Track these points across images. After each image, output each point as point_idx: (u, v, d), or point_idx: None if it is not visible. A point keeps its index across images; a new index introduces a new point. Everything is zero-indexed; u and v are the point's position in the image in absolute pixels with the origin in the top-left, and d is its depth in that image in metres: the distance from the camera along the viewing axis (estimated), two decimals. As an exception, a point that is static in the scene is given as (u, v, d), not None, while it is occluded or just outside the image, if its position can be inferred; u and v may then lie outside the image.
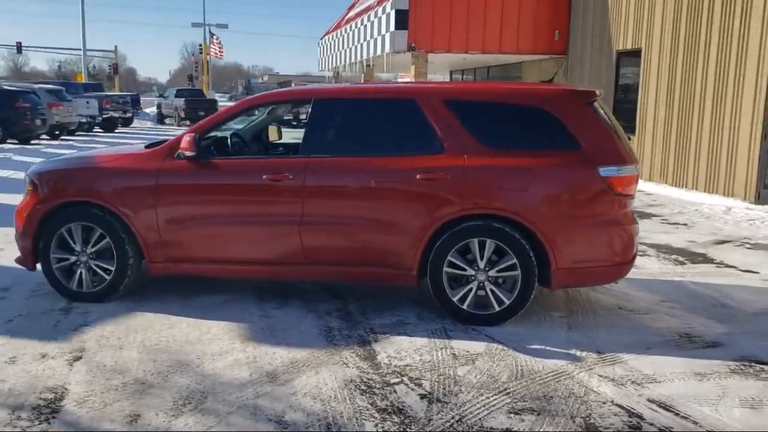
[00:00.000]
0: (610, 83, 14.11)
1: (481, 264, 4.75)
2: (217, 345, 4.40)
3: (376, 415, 3.47)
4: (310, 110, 5.03)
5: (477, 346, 4.43)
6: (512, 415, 3.49)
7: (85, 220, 5.11)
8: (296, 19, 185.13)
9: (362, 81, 20.84)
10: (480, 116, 4.84)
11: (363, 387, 3.80)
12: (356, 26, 19.05)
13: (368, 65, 20.20)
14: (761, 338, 4.66)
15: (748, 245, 7.66)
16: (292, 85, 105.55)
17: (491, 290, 4.77)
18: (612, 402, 3.66)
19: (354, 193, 4.88)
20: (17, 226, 5.30)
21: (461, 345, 4.45)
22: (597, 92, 4.91)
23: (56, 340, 4.43)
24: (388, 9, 15.21)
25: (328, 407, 3.55)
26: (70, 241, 5.16)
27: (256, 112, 5.95)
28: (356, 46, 19.07)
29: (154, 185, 5.02)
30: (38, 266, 5.32)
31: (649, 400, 3.69)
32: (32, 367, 4.00)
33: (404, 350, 4.36)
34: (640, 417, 3.49)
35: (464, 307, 4.82)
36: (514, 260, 4.70)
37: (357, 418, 3.43)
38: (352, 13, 21.32)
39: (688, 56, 11.75)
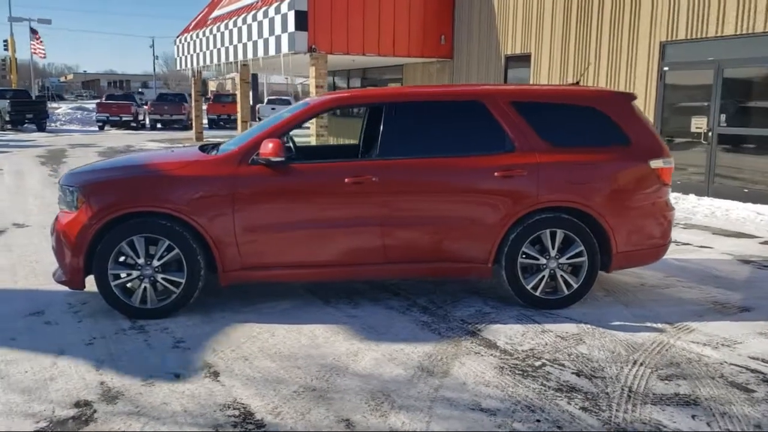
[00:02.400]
0: (500, 81, 15.18)
1: (553, 253, 5.17)
2: (340, 346, 4.40)
3: (559, 393, 3.75)
4: (383, 113, 5.13)
5: (570, 328, 4.84)
6: (667, 382, 3.93)
7: (149, 232, 4.80)
8: (100, 15, 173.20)
9: (237, 81, 20.39)
10: (542, 116, 5.25)
11: (517, 371, 4.06)
12: (231, 26, 18.62)
13: (243, 65, 19.81)
14: (776, 301, 5.53)
15: (681, 225, 8.81)
16: (101, 83, 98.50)
17: (561, 276, 5.20)
18: (726, 362, 4.23)
19: (434, 192, 5.07)
20: (64, 243, 4.84)
21: (555, 328, 4.83)
22: (635, 94, 5.53)
23: (168, 360, 4.18)
24: (284, 9, 15.12)
25: (508, 392, 3.76)
26: (132, 255, 4.82)
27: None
28: (233, 47, 18.64)
29: (230, 192, 4.85)
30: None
31: (750, 357, 4.32)
32: (181, 387, 3.78)
33: (513, 336, 4.65)
34: (758, 371, 4.09)
35: (537, 293, 5.20)
36: (581, 247, 5.17)
37: (548, 398, 3.69)
38: (221, 12, 20.76)
39: (579, 60, 13.04)
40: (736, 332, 4.78)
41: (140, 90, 72.42)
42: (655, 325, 4.93)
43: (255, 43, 16.99)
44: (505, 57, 15.05)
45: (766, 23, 9.87)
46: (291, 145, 5.52)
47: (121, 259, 4.86)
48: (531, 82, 14.19)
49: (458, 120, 5.23)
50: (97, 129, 32.81)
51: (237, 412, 3.49)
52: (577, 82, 6.20)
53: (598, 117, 5.31)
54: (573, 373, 4.05)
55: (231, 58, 18.84)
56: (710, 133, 10.76)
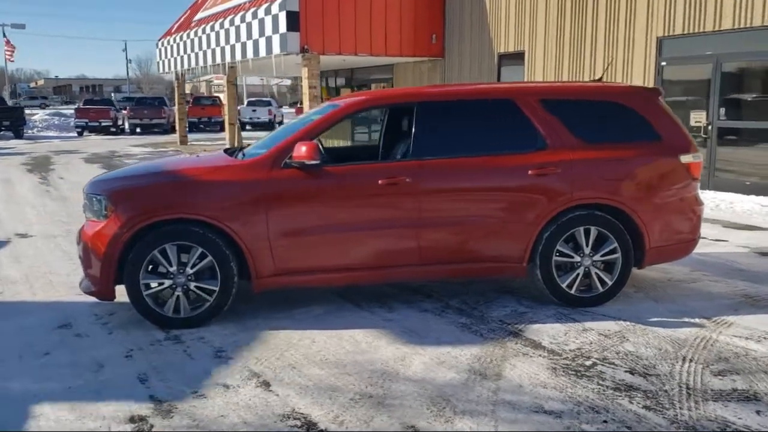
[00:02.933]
0: (494, 79, 15.18)
1: (587, 250, 5.14)
2: (385, 351, 4.33)
3: (619, 393, 3.71)
4: (415, 113, 5.07)
5: (610, 325, 4.82)
6: (721, 377, 3.92)
7: (182, 240, 4.69)
8: (70, 19, 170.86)
9: (217, 84, 20.18)
10: (573, 113, 5.22)
11: (571, 372, 4.01)
12: (217, 28, 18.42)
13: (231, 67, 19.61)
14: (804, 292, 5.56)
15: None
16: (73, 88, 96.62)
17: (596, 274, 5.18)
18: (773, 355, 4.24)
19: (468, 192, 5.02)
20: (93, 253, 4.71)
21: (596, 326, 4.81)
22: (661, 89, 5.52)
23: (213, 370, 4.07)
24: (275, 10, 14.98)
25: (567, 393, 3.72)
26: (165, 264, 4.70)
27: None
28: (220, 49, 18.44)
29: (264, 196, 4.75)
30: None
31: (794, 349, 4.33)
32: (235, 398, 3.68)
33: (556, 336, 4.62)
34: (809, 363, 4.10)
35: (572, 291, 5.17)
36: (615, 244, 5.15)
37: (608, 398, 3.65)
38: (206, 14, 20.53)
39: (574, 57, 13.08)
40: (771, 326, 4.79)
41: (113, 93, 71.55)
42: (692, 320, 4.92)
43: (244, 45, 16.81)
44: (498, 55, 15.05)
45: (763, 17, 9.97)
46: (321, 147, 5.43)
47: (153, 267, 4.73)
48: (526, 80, 14.20)
49: (490, 119, 5.19)
50: (75, 135, 32.29)
51: (298, 423, 3.40)
52: (600, 78, 6.19)
53: (628, 113, 5.29)
54: (626, 371, 4.02)
55: (218, 60, 18.63)
56: (710, 127, 10.85)
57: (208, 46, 19.31)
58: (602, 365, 4.11)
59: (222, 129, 36.19)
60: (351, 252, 4.94)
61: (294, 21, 14.63)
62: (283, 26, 14.71)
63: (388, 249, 4.98)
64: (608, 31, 12.37)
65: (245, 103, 44.42)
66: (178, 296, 4.75)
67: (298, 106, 45.43)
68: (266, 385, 3.86)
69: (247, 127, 36.21)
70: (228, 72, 19.80)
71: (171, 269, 4.71)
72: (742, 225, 8.51)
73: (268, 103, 42.51)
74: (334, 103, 5.23)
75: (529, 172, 5.03)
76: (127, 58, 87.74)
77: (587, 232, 5.13)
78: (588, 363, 4.15)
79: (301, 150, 4.70)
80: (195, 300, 4.81)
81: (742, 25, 10.25)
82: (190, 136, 27.05)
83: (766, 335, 4.59)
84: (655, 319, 4.93)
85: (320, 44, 15.01)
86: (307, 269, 4.93)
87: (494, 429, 3.33)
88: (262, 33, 15.74)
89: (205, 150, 18.63)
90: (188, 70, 21.71)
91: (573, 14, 13.06)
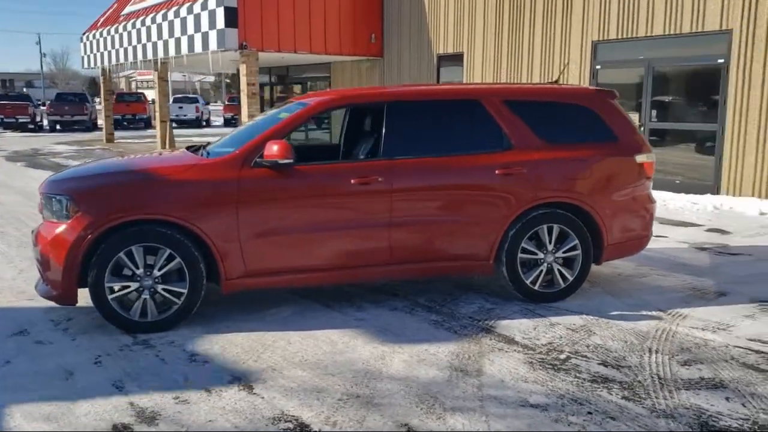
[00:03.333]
0: (432, 80, 15.37)
1: (550, 247, 5.30)
2: (363, 351, 4.33)
3: (596, 384, 3.85)
4: (385, 113, 5.08)
5: (575, 320, 4.97)
6: (688, 367, 4.12)
7: (149, 241, 4.55)
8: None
9: (156, 79, 19.63)
10: (535, 114, 5.36)
11: (547, 366, 4.13)
12: (148, 23, 17.89)
13: (163, 63, 19.07)
14: (746, 285, 5.89)
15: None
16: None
17: (558, 270, 5.34)
18: (730, 345, 4.48)
19: (439, 191, 5.08)
20: (53, 256, 4.50)
21: (561, 320, 4.95)
22: (615, 92, 5.75)
23: (191, 375, 3.97)
24: (211, 5, 14.67)
25: (549, 387, 3.82)
26: (131, 266, 4.55)
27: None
28: (151, 44, 17.91)
29: (235, 196, 4.66)
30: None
31: (748, 339, 4.59)
32: (220, 402, 3.60)
33: (526, 331, 4.73)
34: (762, 352, 4.36)
35: (536, 288, 5.32)
36: (576, 241, 5.33)
37: (589, 390, 3.77)
38: (135, 8, 19.88)
39: (512, 59, 13.40)
40: (724, 316, 5.06)
41: (25, 88, 68.13)
42: (650, 312, 5.14)
43: (178, 41, 16.39)
44: (437, 56, 15.24)
45: (692, 24, 10.50)
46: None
47: (117, 270, 4.57)
48: (464, 81, 14.45)
49: (458, 119, 5.26)
50: (-11, 132, 30.66)
51: (291, 425, 3.37)
52: (556, 81, 6.37)
53: (586, 114, 5.48)
54: (599, 364, 4.16)
55: (149, 56, 18.09)
56: (642, 128, 11.33)
57: (138, 41, 18.72)
58: (575, 358, 4.24)
59: (147, 126, 35.19)
60: (322, 252, 4.91)
61: (232, 17, 14.38)
62: (221, 22, 14.42)
63: (360, 249, 4.98)
64: (545, 35, 12.73)
65: (171, 100, 43.31)
66: (145, 299, 4.60)
67: (227, 103, 44.77)
68: (249, 388, 3.80)
69: (173, 125, 35.30)
70: (159, 68, 19.24)
71: (138, 272, 4.56)
72: (678, 222, 8.94)
73: (195, 100, 41.60)
74: (303, 102, 5.18)
75: (497, 171, 5.13)
76: (41, 51, 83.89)
77: (550, 230, 5.29)
78: (562, 357, 4.27)
79: (273, 149, 4.63)
80: (162, 303, 4.67)
81: (672, 32, 10.76)
82: (116, 134, 26.12)
83: (719, 326, 4.84)
84: (616, 313, 5.12)
85: (259, 41, 14.80)
86: (278, 270, 4.87)
87: (486, 424, 3.39)
88: (197, 28, 15.39)
89: (153, 150, 18.12)
90: (116, 65, 20.97)
91: (511, 17, 13.38)
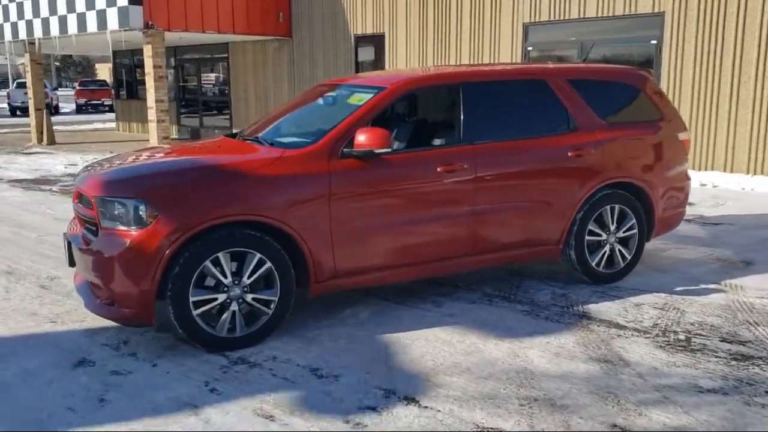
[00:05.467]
0: (350, 63, 15.01)
1: (612, 228, 5.30)
2: (490, 349, 4.07)
3: (743, 362, 3.86)
4: (461, 94, 4.79)
5: (652, 298, 4.99)
6: (800, 336, 4.27)
7: (238, 246, 3.98)
8: None
9: (29, 63, 17.56)
10: (594, 94, 5.30)
11: (679, 348, 4.09)
12: (19, -2, 15.96)
13: (31, 43, 17.09)
14: (758, 253, 6.23)
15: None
16: None
17: (619, 250, 5.36)
18: (810, 311, 4.72)
19: (517, 176, 4.89)
20: (126, 271, 3.81)
21: (641, 300, 4.96)
22: (652, 72, 5.83)
23: (333, 393, 3.53)
24: (110, -19, 13.31)
25: (703, 369, 3.79)
26: (218, 275, 3.96)
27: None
28: (25, 23, 16.00)
29: (327, 191, 4.19)
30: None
31: (818, 305, 4.86)
32: (400, 421, 3.22)
33: (621, 314, 4.67)
34: (844, 316, 4.62)
35: (600, 269, 5.30)
36: (633, 220, 5.37)
37: (742, 369, 3.78)
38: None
39: (439, 42, 13.36)
40: (770, 285, 5.30)
41: None
42: (708, 286, 5.28)
43: (63, 19, 14.74)
44: (355, 37, 14.87)
45: (625, 6, 10.98)
46: None
47: (200, 281, 3.96)
48: (388, 64, 14.23)
49: (527, 100, 5.09)
50: None
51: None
52: (584, 60, 6.35)
53: (635, 93, 5.51)
54: (721, 341, 4.20)
55: (24, 35, 16.13)
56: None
57: (6, 18, 16.63)
58: (696, 338, 4.25)
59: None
60: (410, 246, 4.57)
61: (137, -6, 13.14)
62: (123, -1, 13.13)
63: (446, 240, 4.69)
64: (473, 16, 12.79)
65: (13, 84, 39.11)
66: (233, 312, 4.03)
67: (79, 88, 41.14)
68: (413, 401, 3.43)
69: (18, 113, 32.01)
70: (32, 50, 17.22)
71: (225, 281, 3.98)
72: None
73: (44, 85, 37.95)
74: (379, 86, 4.70)
75: (569, 153, 5.03)
76: None
77: (612, 210, 5.28)
78: (681, 338, 4.27)
79: (369, 137, 4.20)
80: (248, 314, 4.12)
81: (605, 14, 11.19)
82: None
83: (781, 294, 5.08)
84: (680, 289, 5.22)
85: (165, 20, 13.66)
86: (367, 268, 4.46)
87: (687, 415, 3.28)
88: (90, 5, 13.91)
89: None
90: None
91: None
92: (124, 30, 13.41)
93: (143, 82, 17.26)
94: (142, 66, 18.64)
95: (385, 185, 4.40)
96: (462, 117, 4.75)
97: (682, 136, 5.64)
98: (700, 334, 4.30)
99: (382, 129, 4.25)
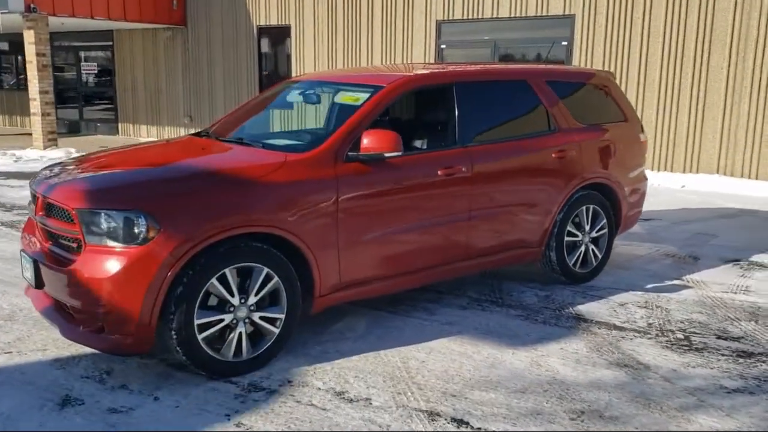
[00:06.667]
0: (252, 57, 14.41)
1: (587, 228, 5.36)
2: (509, 359, 3.95)
3: (749, 359, 4.00)
4: (455, 94, 4.62)
5: (631, 297, 5.09)
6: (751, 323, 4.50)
7: (245, 260, 3.59)
8: None
9: None
10: (568, 95, 5.33)
11: (683, 347, 4.17)
12: None
13: None
14: (698, 248, 6.58)
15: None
16: None
17: (592, 250, 5.44)
18: (776, 305, 5.00)
19: (508, 179, 4.81)
20: (121, 295, 3.32)
21: (622, 299, 5.03)
22: (613, 73, 5.96)
23: (379, 419, 3.26)
24: (-16, -43, 11.92)
25: (720, 368, 3.88)
26: (225, 294, 3.56)
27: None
28: None
29: (335, 197, 3.89)
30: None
31: (780, 298, 5.17)
32: (465, 448, 3.02)
33: (612, 315, 4.71)
34: (806, 308, 4.94)
35: (577, 269, 5.36)
36: (604, 220, 5.47)
37: (753, 366, 3.91)
38: None
39: (349, 36, 13.10)
40: (728, 279, 5.55)
41: None
42: (673, 283, 5.46)
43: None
44: (257, 28, 14.28)
45: (537, 8, 11.28)
46: None
47: (204, 301, 3.54)
48: (294, 59, 13.78)
49: (511, 101, 5.01)
50: None
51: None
52: (546, 59, 6.37)
53: (602, 94, 5.61)
54: (718, 338, 4.33)
55: None
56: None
57: None
58: (693, 337, 4.35)
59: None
60: (412, 253, 4.36)
61: (17, -27, 11.84)
62: (1, -22, 11.78)
63: (444, 245, 4.52)
64: (386, 10, 12.66)
65: None
66: (239, 333, 3.64)
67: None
68: (462, 423, 3.23)
69: None
70: None
71: (232, 300, 3.58)
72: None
73: None
74: (374, 84, 4.41)
75: (553, 155, 5.01)
76: None
77: (587, 211, 5.34)
78: (680, 336, 4.36)
79: (378, 140, 3.94)
80: (252, 335, 3.74)
81: (518, 14, 11.44)
82: None
83: (740, 289, 5.34)
84: (651, 286, 5.37)
85: (50, 3, 12.43)
86: (370, 278, 4.20)
87: (731, 418, 3.33)
88: (-40, -16, 12.37)
89: None
90: None
91: (346, -9, 13.04)
92: (3, 13, 12.04)
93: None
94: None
95: (391, 189, 4.16)
96: (458, 118, 4.59)
97: (642, 136, 5.80)
98: (695, 332, 4.41)
99: (390, 131, 3.99)
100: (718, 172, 10.26)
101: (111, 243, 3.36)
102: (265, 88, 14.42)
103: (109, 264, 3.32)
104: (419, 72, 4.69)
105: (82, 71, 17.48)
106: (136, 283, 3.30)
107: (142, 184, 3.60)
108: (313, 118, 5.13)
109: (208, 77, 15.12)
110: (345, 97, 4.45)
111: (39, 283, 3.68)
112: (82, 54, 17.52)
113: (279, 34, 14.07)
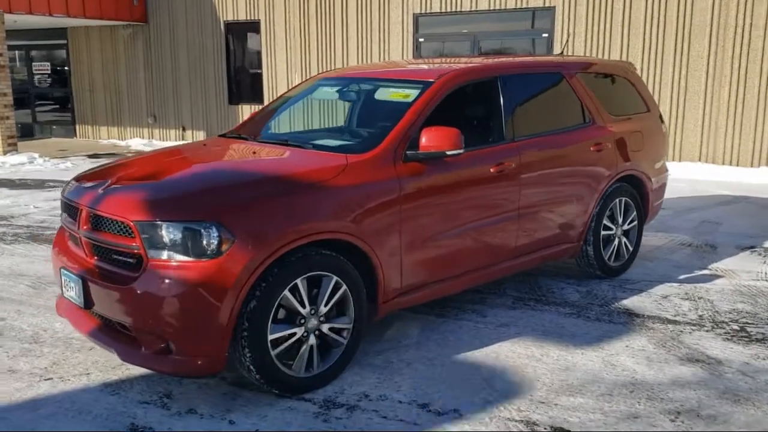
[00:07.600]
0: (220, 54, 13.97)
1: (620, 220, 5.31)
2: (580, 361, 3.84)
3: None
4: (500, 88, 4.47)
5: (669, 289, 5.05)
6: (827, 316, 4.53)
7: (314, 269, 3.37)
8: None
9: None
10: (598, 87, 5.25)
11: (744, 339, 4.14)
12: None
13: None
14: (710, 235, 6.63)
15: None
16: None
17: (624, 243, 5.39)
18: (811, 291, 5.04)
19: (552, 173, 4.70)
20: (193, 313, 3.06)
21: (664, 291, 4.99)
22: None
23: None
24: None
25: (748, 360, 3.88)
26: (297, 306, 3.33)
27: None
28: None
29: (399, 199, 3.70)
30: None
31: (811, 284, 5.22)
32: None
33: (661, 308, 4.66)
34: (840, 293, 5.00)
35: (611, 262, 5.30)
36: (635, 212, 5.43)
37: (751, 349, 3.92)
38: None
39: (323, 31, 12.81)
40: (752, 266, 5.60)
41: None
42: (704, 272, 5.47)
43: None
44: (225, 24, 13.83)
45: (516, 1, 11.24)
46: None
47: (275, 315, 3.30)
48: (265, 55, 13.41)
49: (548, 94, 4.90)
50: None
51: None
52: (561, 53, 6.29)
53: (627, 86, 5.55)
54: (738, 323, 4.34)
55: None
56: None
57: None
58: (748, 327, 4.33)
59: None
60: (469, 253, 4.21)
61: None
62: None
63: (497, 244, 4.38)
64: (360, 4, 12.42)
65: None
66: (311, 347, 3.41)
67: None
68: (561, 431, 3.10)
69: None
70: None
71: (304, 311, 3.36)
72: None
73: None
74: (425, 80, 4.20)
75: (591, 147, 4.93)
76: None
77: (620, 204, 5.28)
78: (736, 327, 4.33)
79: (439, 137, 3.75)
80: (320, 347, 3.52)
81: (497, 7, 11.39)
82: None
83: (767, 277, 5.38)
84: (683, 277, 5.36)
85: (5, 1, 11.74)
86: (429, 281, 4.03)
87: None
88: None
89: None
90: None
91: (319, -15, 12.75)
92: (-45, 10, 11.32)
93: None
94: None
95: (450, 190, 3.99)
96: (504, 112, 4.45)
97: (664, 127, 5.78)
98: (749, 323, 4.39)
99: (451, 128, 3.81)
100: (700, 160, 10.43)
101: (179, 257, 3.09)
102: (233, 86, 14.01)
103: (178, 280, 3.05)
104: (464, 65, 4.51)
105: (34, 71, 16.66)
106: (211, 300, 3.04)
107: (210, 192, 3.33)
108: (345, 114, 4.90)
109: (173, 75, 14.59)
110: (393, 94, 4.24)
111: (88, 303, 3.37)
112: (33, 53, 16.69)
113: (248, 30, 13.68)
